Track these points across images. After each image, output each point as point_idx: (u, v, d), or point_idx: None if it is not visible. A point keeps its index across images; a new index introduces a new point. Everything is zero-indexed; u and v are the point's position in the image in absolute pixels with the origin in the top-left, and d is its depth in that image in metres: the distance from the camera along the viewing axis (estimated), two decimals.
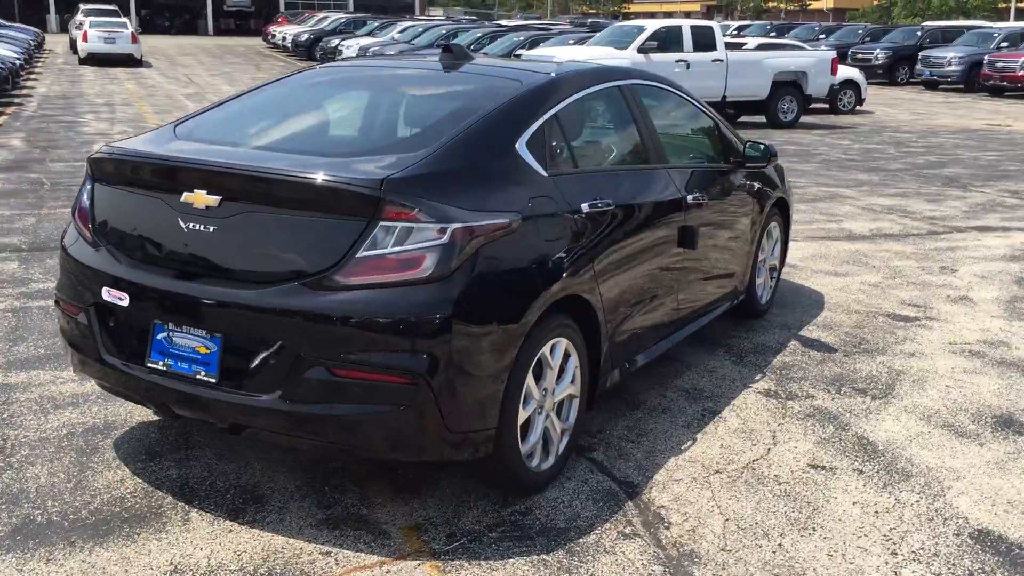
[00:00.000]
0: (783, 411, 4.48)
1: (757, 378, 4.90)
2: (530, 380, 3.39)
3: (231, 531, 3.31)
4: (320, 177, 3.07)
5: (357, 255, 3.03)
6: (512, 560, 3.17)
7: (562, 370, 3.63)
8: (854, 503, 3.61)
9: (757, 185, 5.48)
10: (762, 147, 5.28)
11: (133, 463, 3.77)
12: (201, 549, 3.19)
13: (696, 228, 4.49)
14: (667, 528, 3.40)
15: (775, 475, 3.81)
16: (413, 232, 3.05)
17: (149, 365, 3.30)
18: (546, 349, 3.45)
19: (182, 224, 3.23)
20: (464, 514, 3.46)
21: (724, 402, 4.57)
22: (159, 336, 3.28)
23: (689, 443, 4.08)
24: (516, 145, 3.53)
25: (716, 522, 3.44)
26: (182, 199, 3.22)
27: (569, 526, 3.40)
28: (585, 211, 3.67)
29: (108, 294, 3.37)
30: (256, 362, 3.13)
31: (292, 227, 3.11)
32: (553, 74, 4.08)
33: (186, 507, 3.45)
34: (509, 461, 3.38)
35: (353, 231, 3.05)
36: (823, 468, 3.89)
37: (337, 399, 3.06)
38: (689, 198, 4.50)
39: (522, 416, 3.39)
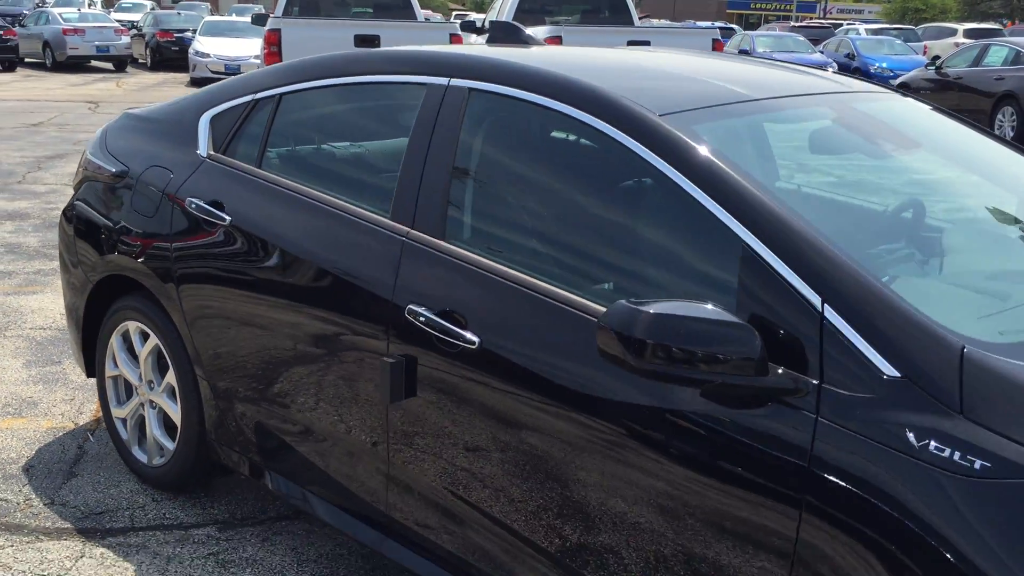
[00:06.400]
0: None
1: None
2: (112, 339, 3.30)
3: None
4: None
5: None
6: None
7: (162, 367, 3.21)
8: None
9: None
10: None
11: None
12: None
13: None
14: None
15: None
16: None
17: None
18: (130, 326, 3.22)
19: None
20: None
21: None
22: None
23: None
24: (201, 116, 3.15)
25: None
26: None
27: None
28: (191, 208, 2.94)
29: None
30: None
31: None
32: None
33: None
34: (106, 414, 3.41)
35: None
36: None
37: None
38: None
39: (109, 371, 3.36)
